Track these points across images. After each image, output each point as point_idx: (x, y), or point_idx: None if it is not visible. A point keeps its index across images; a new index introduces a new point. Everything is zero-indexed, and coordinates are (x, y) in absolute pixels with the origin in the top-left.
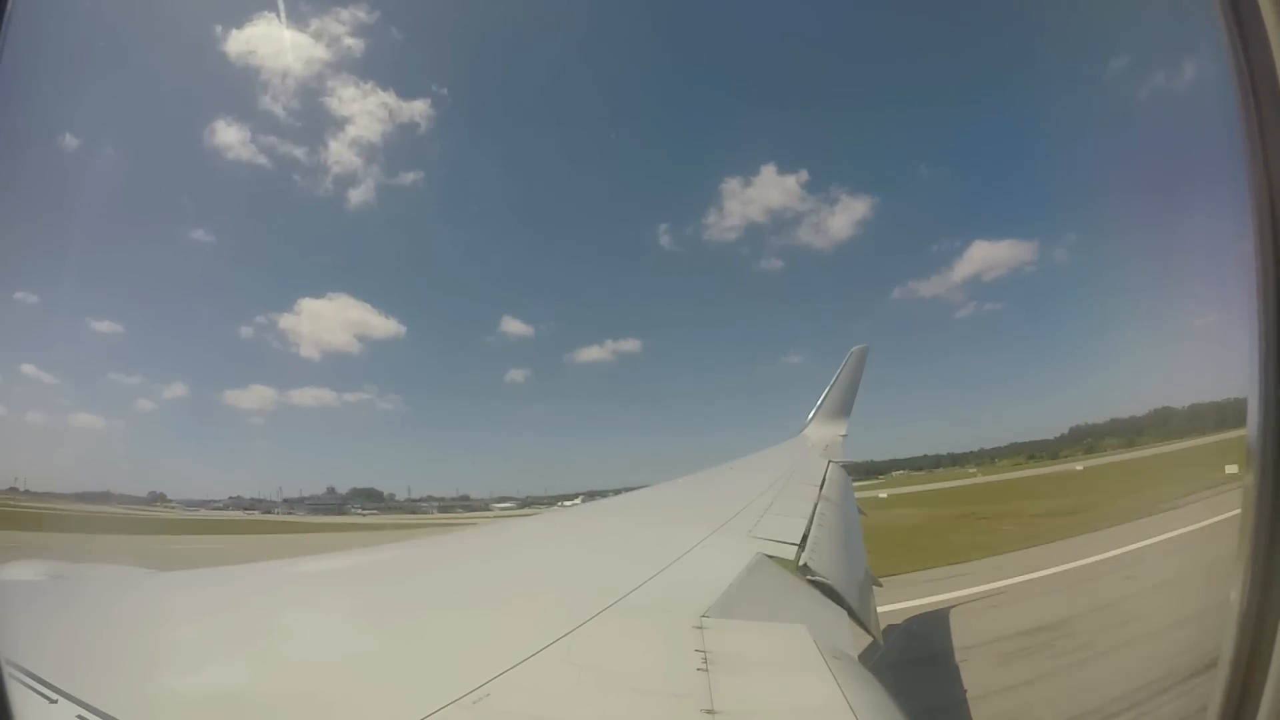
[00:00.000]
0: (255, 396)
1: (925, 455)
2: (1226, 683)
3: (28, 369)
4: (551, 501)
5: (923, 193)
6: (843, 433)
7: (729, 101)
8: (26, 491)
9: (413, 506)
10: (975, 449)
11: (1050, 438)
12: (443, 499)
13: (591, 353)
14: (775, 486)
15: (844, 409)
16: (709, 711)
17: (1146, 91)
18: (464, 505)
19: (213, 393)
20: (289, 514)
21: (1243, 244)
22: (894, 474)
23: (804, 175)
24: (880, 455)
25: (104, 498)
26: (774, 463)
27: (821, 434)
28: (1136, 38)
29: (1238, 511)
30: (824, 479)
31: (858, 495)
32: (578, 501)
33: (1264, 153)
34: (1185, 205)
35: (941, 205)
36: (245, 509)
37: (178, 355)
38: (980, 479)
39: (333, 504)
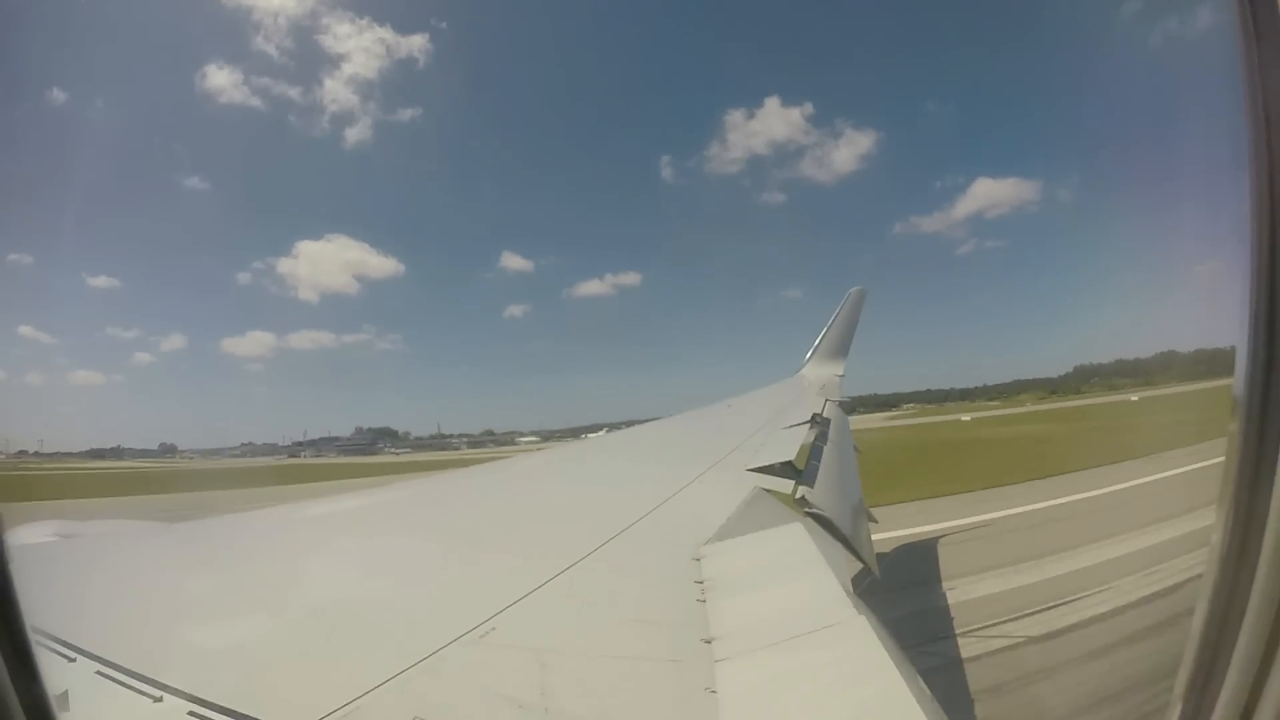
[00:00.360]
0: (254, 343)
1: (929, 390)
2: (1206, 616)
3: (25, 330)
4: (575, 434)
5: (928, 128)
6: (840, 373)
7: (734, 31)
8: (37, 453)
9: (442, 443)
10: (979, 385)
11: (1055, 376)
12: (470, 435)
13: (591, 286)
14: (772, 424)
15: (841, 349)
16: (707, 640)
17: (1159, 35)
18: (492, 440)
19: (211, 342)
20: (318, 457)
21: (1242, 192)
22: (905, 407)
23: (808, 108)
24: (882, 389)
25: (116, 453)
26: (771, 401)
27: (819, 374)
28: None
29: None
30: (820, 417)
31: (884, 424)
32: (603, 433)
33: (1264, 104)
34: (1188, 151)
35: (946, 141)
36: (275, 454)
37: (175, 305)
38: (1028, 408)
39: (363, 444)
